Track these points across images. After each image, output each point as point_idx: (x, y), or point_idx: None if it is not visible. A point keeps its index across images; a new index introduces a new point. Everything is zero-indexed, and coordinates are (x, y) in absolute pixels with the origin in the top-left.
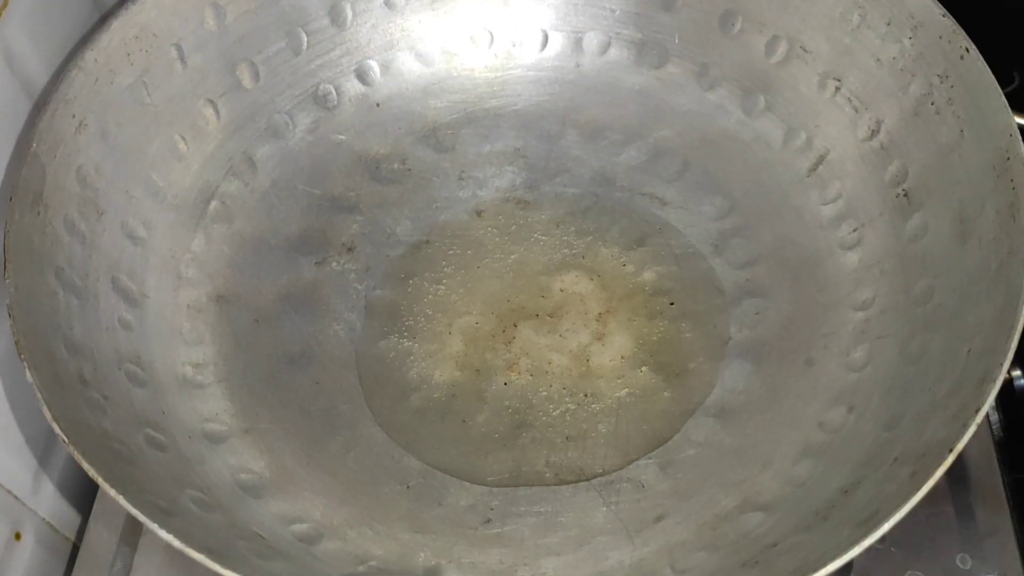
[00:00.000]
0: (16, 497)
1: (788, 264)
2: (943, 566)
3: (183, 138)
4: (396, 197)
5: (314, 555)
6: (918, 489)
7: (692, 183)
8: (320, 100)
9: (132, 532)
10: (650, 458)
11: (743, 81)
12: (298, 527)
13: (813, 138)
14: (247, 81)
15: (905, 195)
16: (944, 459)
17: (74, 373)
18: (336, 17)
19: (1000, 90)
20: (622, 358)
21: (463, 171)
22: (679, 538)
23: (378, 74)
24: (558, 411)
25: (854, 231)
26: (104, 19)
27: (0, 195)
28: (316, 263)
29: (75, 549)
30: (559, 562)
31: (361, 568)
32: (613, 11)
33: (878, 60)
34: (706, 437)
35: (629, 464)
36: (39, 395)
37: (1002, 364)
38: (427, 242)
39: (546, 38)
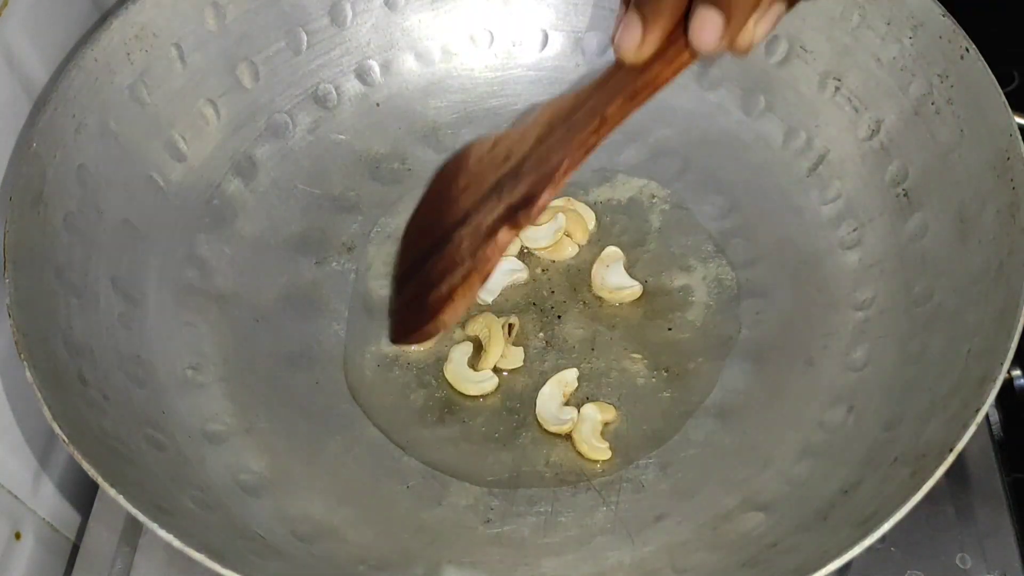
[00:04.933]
0: (16, 497)
1: (788, 264)
2: (943, 566)
3: (183, 138)
4: (396, 197)
5: (314, 555)
6: (918, 489)
7: (692, 183)
8: (320, 100)
9: (132, 532)
10: (650, 458)
11: (743, 81)
12: (298, 527)
13: (813, 138)
14: (247, 81)
15: (905, 195)
16: (944, 459)
17: (74, 373)
18: (336, 17)
19: (1000, 90)
20: (622, 358)
21: None
22: (679, 538)
23: (378, 74)
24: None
25: (854, 231)
26: (104, 19)
27: (0, 195)
28: (316, 263)
29: (75, 549)
30: (559, 562)
31: (361, 568)
32: (613, 11)
33: (878, 60)
34: (706, 437)
35: (629, 464)
36: (39, 395)
37: (1002, 364)
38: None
39: (546, 38)
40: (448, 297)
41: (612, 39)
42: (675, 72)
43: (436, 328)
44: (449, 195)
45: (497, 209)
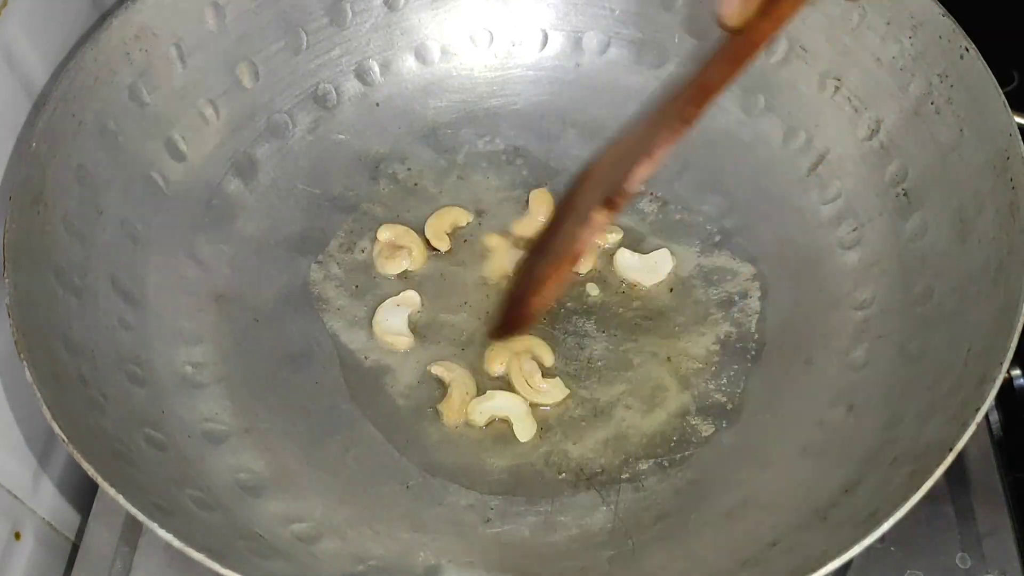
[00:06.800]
0: (16, 497)
1: (788, 264)
2: (943, 566)
3: (183, 138)
4: (396, 197)
5: (314, 555)
6: (918, 489)
7: (692, 183)
8: (320, 100)
9: (132, 532)
10: (650, 458)
11: (743, 81)
12: (298, 527)
13: (813, 138)
14: (247, 81)
15: (905, 195)
16: (944, 459)
17: (74, 373)
18: (336, 17)
19: (1000, 90)
20: (622, 358)
21: (463, 171)
22: (679, 538)
23: (378, 74)
24: (558, 411)
25: (854, 231)
26: (104, 19)
27: (0, 195)
28: (316, 263)
29: (75, 549)
30: (559, 562)
31: (361, 568)
32: (613, 11)
33: (878, 60)
34: (706, 437)
35: (629, 464)
36: (39, 395)
37: (1002, 364)
38: (427, 242)
39: (546, 38)
40: (542, 279)
41: (717, 13)
42: (775, 25)
43: (531, 311)
44: (567, 204)
45: (596, 197)
